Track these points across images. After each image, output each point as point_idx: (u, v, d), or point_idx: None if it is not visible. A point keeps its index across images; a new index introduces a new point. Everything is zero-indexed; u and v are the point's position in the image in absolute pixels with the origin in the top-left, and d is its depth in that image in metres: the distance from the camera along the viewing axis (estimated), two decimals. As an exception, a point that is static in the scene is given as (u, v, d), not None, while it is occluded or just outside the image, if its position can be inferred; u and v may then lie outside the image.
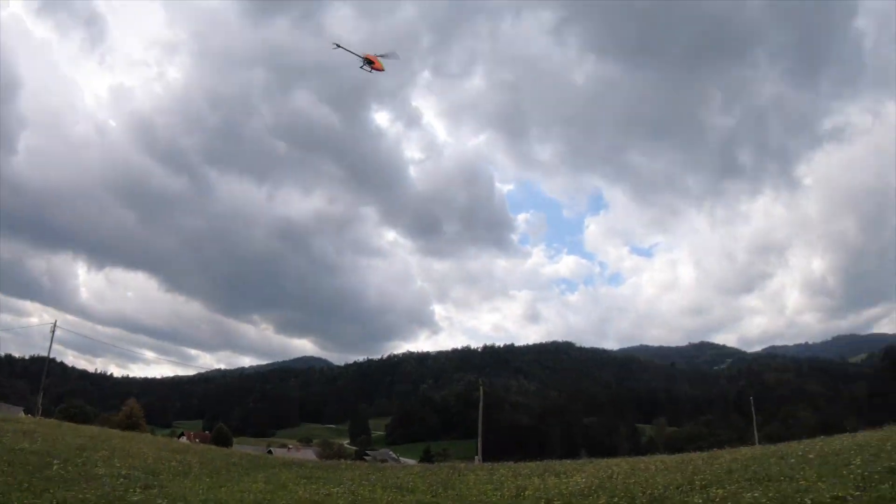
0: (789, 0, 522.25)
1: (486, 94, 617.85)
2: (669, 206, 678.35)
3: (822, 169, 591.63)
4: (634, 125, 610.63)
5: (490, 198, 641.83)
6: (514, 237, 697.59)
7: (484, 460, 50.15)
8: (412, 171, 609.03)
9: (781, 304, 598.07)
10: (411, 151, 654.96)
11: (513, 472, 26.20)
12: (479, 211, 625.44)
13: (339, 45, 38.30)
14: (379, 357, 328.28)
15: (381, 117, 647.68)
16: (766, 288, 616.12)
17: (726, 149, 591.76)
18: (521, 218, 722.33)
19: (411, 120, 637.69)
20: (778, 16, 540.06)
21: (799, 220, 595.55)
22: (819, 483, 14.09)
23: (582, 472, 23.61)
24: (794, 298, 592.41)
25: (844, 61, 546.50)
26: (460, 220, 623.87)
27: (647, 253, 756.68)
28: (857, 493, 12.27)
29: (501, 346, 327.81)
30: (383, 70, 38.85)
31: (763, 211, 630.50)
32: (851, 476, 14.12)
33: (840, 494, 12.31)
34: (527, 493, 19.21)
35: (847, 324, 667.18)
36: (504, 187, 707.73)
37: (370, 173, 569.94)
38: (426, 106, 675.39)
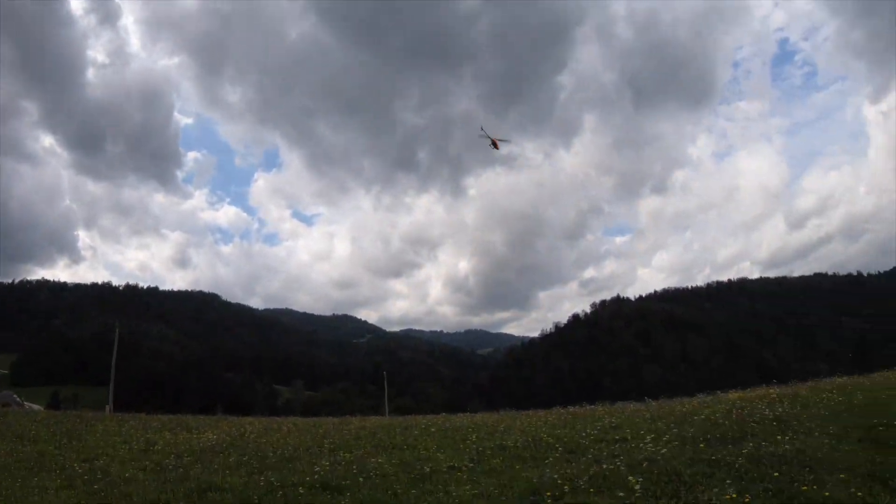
0: (514, 37, 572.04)
1: (196, 16, 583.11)
2: (340, 181, 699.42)
3: (487, 186, 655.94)
4: (331, 96, 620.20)
5: (165, 127, 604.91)
6: (180, 174, 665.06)
7: (116, 410, 47.88)
8: (91, 75, 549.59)
9: (424, 293, 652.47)
10: (96, 52, 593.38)
11: (143, 425, 25.52)
12: (150, 137, 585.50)
13: (482, 129, 43.31)
14: (10, 281, 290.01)
15: (76, 4, 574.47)
16: (413, 276, 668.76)
17: (408, 144, 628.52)
18: (192, 156, 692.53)
19: (108, 17, 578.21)
20: (497, 46, 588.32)
21: (456, 223, 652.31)
22: (438, 454, 15.38)
23: (215, 429, 23.53)
24: (436, 290, 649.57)
25: (537, 104, 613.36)
26: (128, 142, 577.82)
27: (308, 220, 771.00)
28: (472, 464, 13.53)
29: (145, 287, 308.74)
30: (499, 149, 43.66)
31: (426, 208, 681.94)
32: (467, 450, 15.62)
33: (456, 465, 13.47)
34: (156, 447, 18.54)
35: (479, 321, 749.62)
36: (182, 120, 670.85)
37: (43, 63, 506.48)
38: (129, 8, 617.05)
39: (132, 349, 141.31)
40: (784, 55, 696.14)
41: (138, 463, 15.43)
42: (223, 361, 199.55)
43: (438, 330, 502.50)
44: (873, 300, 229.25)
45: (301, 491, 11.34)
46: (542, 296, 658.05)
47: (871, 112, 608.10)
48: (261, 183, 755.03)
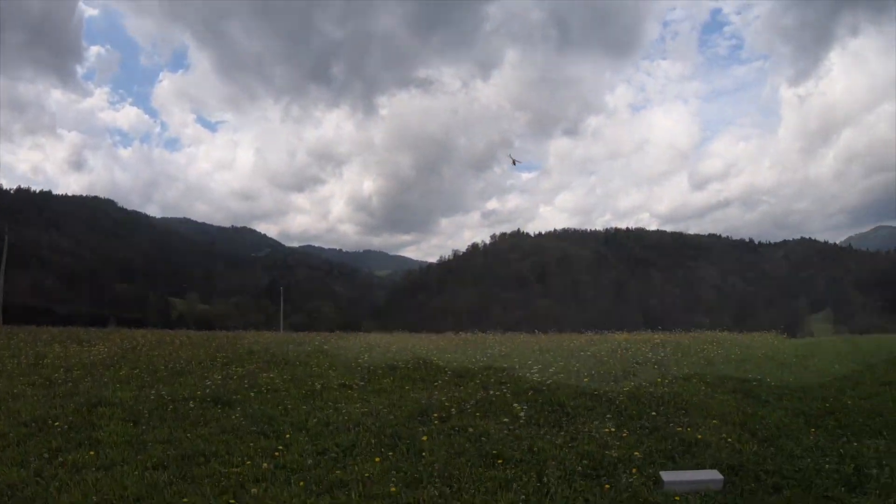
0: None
1: None
2: (249, 88, 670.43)
3: (400, 107, 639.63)
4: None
5: (69, 17, 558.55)
6: (80, 70, 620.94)
7: (4, 323, 45.55)
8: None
9: (326, 210, 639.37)
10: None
11: (33, 338, 24.41)
12: (51, 28, 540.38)
13: (510, 155, 46.02)
14: None
15: None
16: (315, 192, 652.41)
17: (324, 56, 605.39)
18: (94, 51, 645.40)
19: None
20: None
21: (364, 141, 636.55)
22: (330, 371, 15.61)
23: (107, 342, 22.87)
24: (339, 208, 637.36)
25: (461, 30, 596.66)
26: (26, 32, 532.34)
27: (212, 127, 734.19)
28: (363, 383, 13.82)
29: (38, 191, 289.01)
30: (515, 164, 47.53)
31: (335, 123, 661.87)
32: (359, 369, 15.89)
33: (347, 382, 13.71)
34: (46, 360, 17.96)
35: (380, 241, 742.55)
36: (87, 10, 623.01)
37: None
38: None
39: (22, 257, 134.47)
40: (714, 24, 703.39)
41: (27, 378, 14.96)
42: (117, 271, 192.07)
43: (338, 248, 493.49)
44: (760, 267, 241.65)
45: (192, 405, 11.29)
46: (444, 222, 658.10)
47: (788, 93, 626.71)
48: (166, 84, 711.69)
